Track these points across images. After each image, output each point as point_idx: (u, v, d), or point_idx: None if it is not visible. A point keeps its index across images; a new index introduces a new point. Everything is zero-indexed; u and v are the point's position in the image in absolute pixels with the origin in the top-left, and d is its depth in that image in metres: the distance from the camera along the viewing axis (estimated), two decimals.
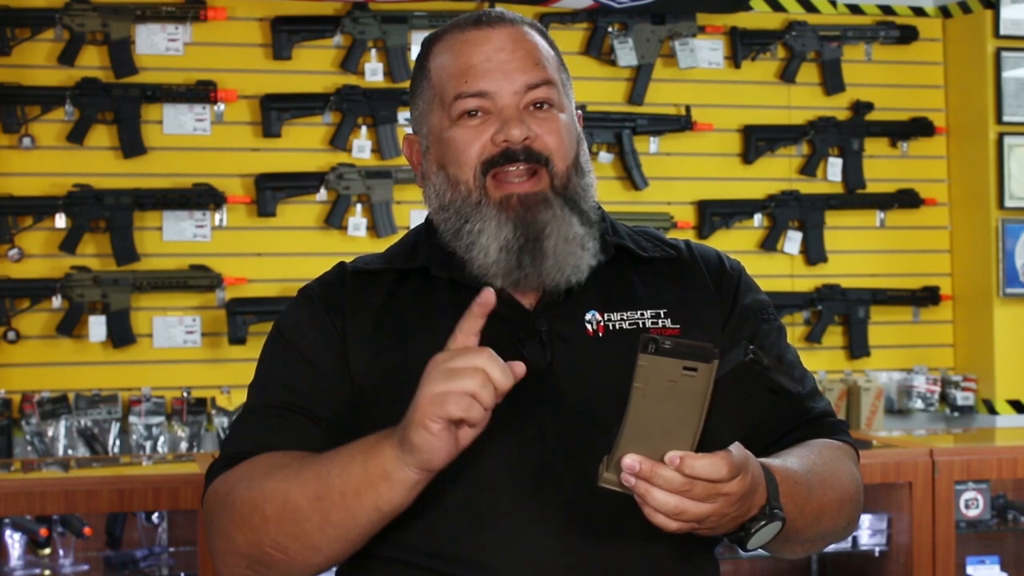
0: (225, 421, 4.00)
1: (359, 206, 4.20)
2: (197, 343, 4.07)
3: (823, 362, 4.56)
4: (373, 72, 4.24)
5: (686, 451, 1.36)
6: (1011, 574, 3.71)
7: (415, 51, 4.20)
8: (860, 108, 4.62)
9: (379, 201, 4.19)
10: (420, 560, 1.57)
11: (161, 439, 3.96)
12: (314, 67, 4.22)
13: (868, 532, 3.46)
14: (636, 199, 4.38)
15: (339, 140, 4.20)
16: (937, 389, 4.56)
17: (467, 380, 1.38)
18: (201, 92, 4.07)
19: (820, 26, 4.60)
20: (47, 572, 3.28)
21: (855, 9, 4.70)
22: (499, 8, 1.72)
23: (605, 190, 4.00)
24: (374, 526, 1.50)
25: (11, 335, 3.94)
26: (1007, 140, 4.53)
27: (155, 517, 3.36)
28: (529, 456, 1.56)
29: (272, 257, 4.16)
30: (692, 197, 4.49)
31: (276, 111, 4.15)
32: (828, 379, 4.49)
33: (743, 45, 4.53)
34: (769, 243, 4.53)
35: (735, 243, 4.47)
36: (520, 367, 1.41)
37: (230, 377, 4.06)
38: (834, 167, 4.59)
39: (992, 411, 4.54)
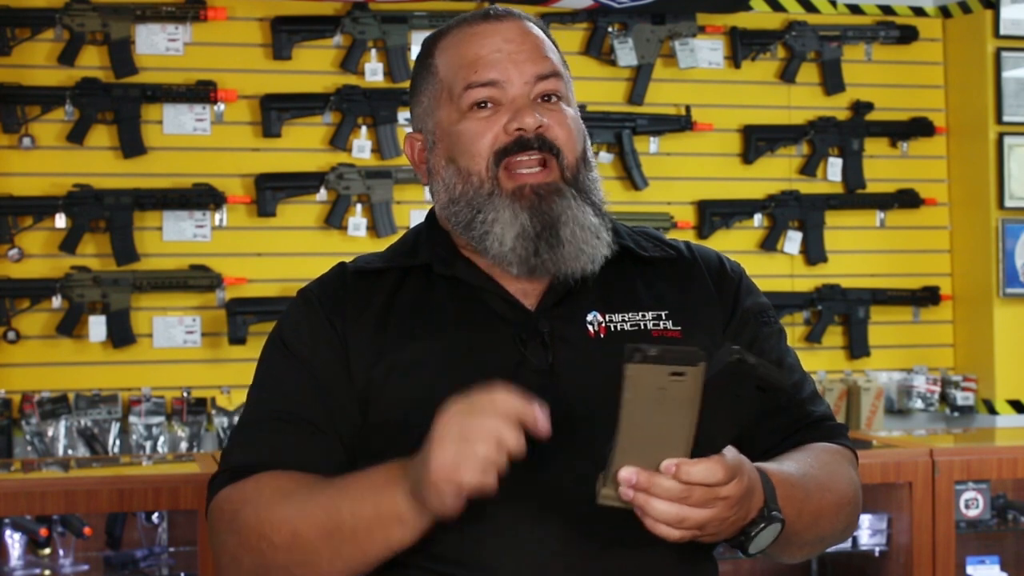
0: (225, 421, 4.00)
1: (359, 206, 4.20)
2: (197, 343, 4.07)
3: (823, 362, 4.56)
4: (373, 72, 4.24)
5: (681, 458, 1.36)
6: (1011, 574, 3.71)
7: (415, 51, 4.20)
8: (860, 108, 4.62)
9: (379, 201, 4.19)
10: (420, 562, 1.57)
11: (161, 439, 3.96)
12: (314, 67, 4.22)
13: (868, 532, 3.46)
14: (636, 199, 4.38)
15: (339, 140, 4.20)
16: (937, 389, 4.56)
17: (481, 446, 1.38)
18: (201, 92, 4.07)
19: (820, 26, 4.60)
20: (47, 572, 3.28)
21: (855, 9, 4.70)
22: (504, 6, 1.73)
23: (605, 190, 3.99)
24: (384, 558, 1.51)
25: (11, 335, 3.94)
26: (1007, 140, 4.53)
27: (155, 517, 3.36)
28: (530, 458, 1.56)
29: (272, 257, 4.16)
30: (692, 197, 4.49)
31: (276, 111, 4.15)
32: (828, 379, 4.49)
33: (743, 45, 4.53)
34: (769, 243, 4.53)
35: (735, 243, 4.47)
36: (543, 425, 1.40)
37: (230, 377, 4.06)
38: (834, 167, 4.59)
39: (992, 411, 4.54)
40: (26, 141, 3.99)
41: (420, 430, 1.59)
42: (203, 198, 4.04)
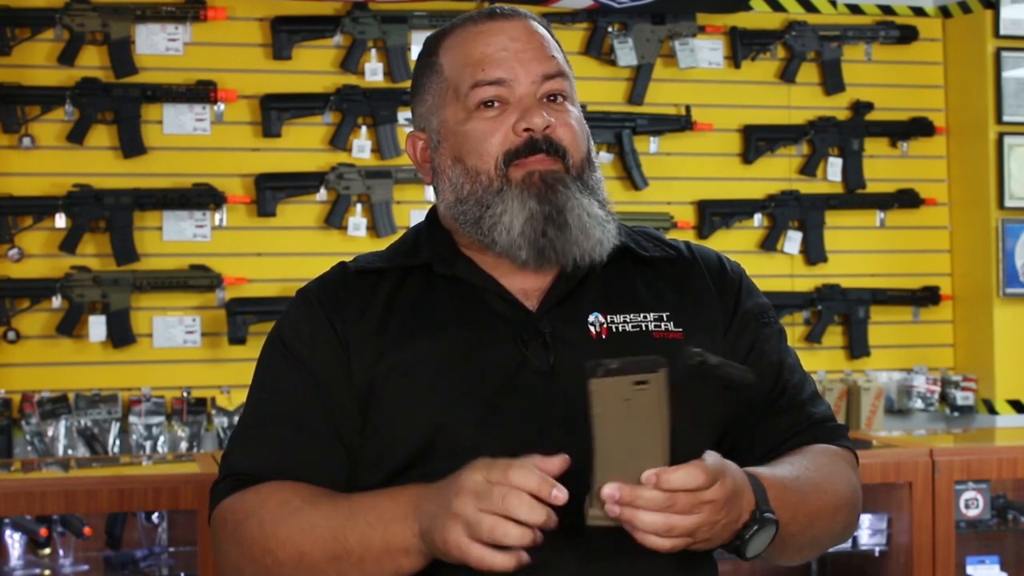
0: (225, 421, 4.00)
1: (359, 206, 4.20)
2: (197, 343, 4.07)
3: (823, 362, 4.56)
4: (373, 72, 4.24)
5: (661, 467, 1.37)
6: (1011, 574, 3.71)
7: (415, 51, 4.19)
8: (860, 108, 4.62)
9: (379, 201, 4.19)
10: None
11: (161, 439, 3.96)
12: (314, 67, 4.22)
13: (868, 532, 3.46)
14: (636, 199, 4.38)
15: (339, 140, 4.20)
16: (937, 389, 4.56)
17: (489, 530, 1.38)
18: (201, 92, 4.07)
19: (820, 26, 4.60)
20: (47, 572, 3.28)
21: (855, 9, 4.70)
22: (510, 5, 1.72)
23: (606, 190, 4.00)
24: None
25: (11, 335, 3.94)
26: (1007, 140, 4.53)
27: (155, 517, 3.36)
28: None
29: (272, 257, 4.16)
30: (692, 197, 4.49)
31: (276, 111, 4.15)
32: (828, 379, 4.49)
33: (743, 45, 4.53)
34: (769, 243, 4.53)
35: (735, 243, 4.47)
36: (560, 498, 1.38)
37: (230, 377, 4.06)
38: (834, 167, 4.59)
39: (992, 411, 4.54)
40: (26, 141, 3.99)
41: (421, 431, 1.59)
42: (203, 198, 4.04)
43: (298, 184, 4.16)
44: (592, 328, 1.64)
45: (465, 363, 1.60)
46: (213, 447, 4.01)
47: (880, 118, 4.64)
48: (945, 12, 4.72)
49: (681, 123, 4.44)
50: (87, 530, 3.23)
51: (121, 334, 3.98)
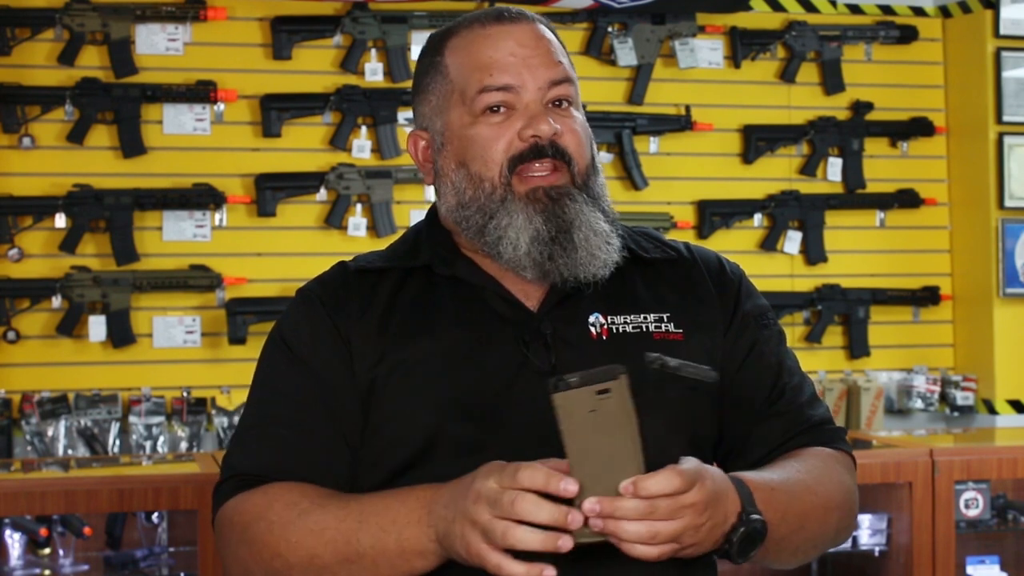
0: (225, 421, 4.01)
1: (359, 206, 4.20)
2: (197, 343, 4.07)
3: (823, 362, 4.56)
4: (373, 72, 4.24)
5: (637, 475, 1.37)
6: (1011, 574, 3.71)
7: (415, 51, 4.23)
8: (860, 108, 4.62)
9: (379, 201, 4.19)
10: None
11: (161, 439, 3.96)
12: (314, 67, 4.22)
13: (868, 532, 3.47)
14: (636, 199, 4.38)
15: (339, 140, 4.20)
16: (937, 389, 4.56)
17: (501, 536, 1.39)
18: (201, 92, 4.07)
19: (820, 26, 4.60)
20: (47, 572, 3.28)
21: (855, 9, 4.70)
22: (517, 7, 1.71)
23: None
24: None
25: (11, 335, 3.94)
26: (1007, 140, 4.53)
27: (155, 517, 3.36)
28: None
29: (272, 257, 4.16)
30: (692, 197, 4.49)
31: (276, 111, 4.15)
32: (828, 379, 4.49)
33: (743, 45, 4.53)
34: (769, 243, 4.53)
35: (735, 243, 4.47)
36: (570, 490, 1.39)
37: (230, 377, 4.06)
38: (834, 167, 4.59)
39: (992, 411, 4.54)
40: (26, 141, 3.99)
41: (421, 431, 1.59)
42: (203, 198, 4.05)
43: (298, 184, 4.16)
44: (592, 329, 1.64)
45: (466, 364, 1.60)
46: (213, 447, 4.01)
47: (880, 118, 4.64)
48: (945, 12, 4.72)
49: (681, 123, 4.44)
50: (87, 530, 3.24)
51: (121, 334, 3.98)
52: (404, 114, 4.21)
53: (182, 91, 4.06)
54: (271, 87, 4.16)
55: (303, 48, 4.21)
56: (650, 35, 4.43)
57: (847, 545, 3.43)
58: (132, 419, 3.95)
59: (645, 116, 4.41)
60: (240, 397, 4.00)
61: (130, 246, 4.01)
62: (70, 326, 3.95)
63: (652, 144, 4.44)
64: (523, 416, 1.57)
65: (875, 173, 4.64)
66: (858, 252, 4.64)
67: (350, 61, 4.22)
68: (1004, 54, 4.54)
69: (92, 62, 4.06)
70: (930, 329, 4.68)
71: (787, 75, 4.59)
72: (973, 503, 3.50)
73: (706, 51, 4.51)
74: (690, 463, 1.42)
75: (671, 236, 1.90)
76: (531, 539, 1.37)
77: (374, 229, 4.19)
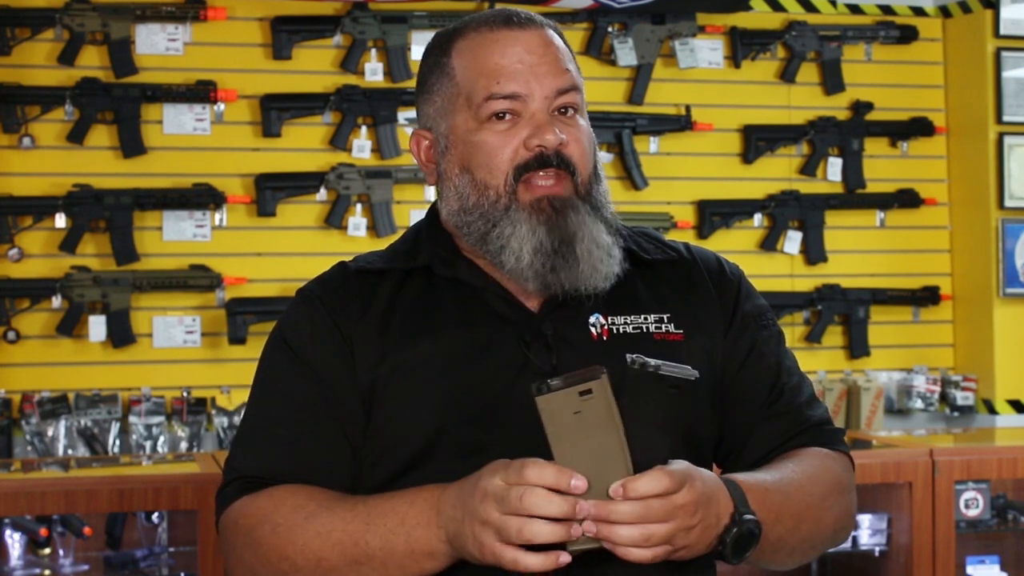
0: (225, 421, 4.01)
1: (359, 206, 4.20)
2: (197, 343, 4.07)
3: (823, 362, 4.56)
4: (373, 72, 4.24)
5: (624, 475, 1.38)
6: (1011, 574, 3.71)
7: (415, 51, 4.24)
8: (860, 108, 4.62)
9: (379, 201, 4.19)
10: None
11: (161, 439, 3.96)
12: (314, 67, 4.22)
13: (868, 532, 3.47)
14: (636, 199, 4.38)
15: (339, 140, 4.20)
16: (937, 389, 4.56)
17: (516, 532, 1.39)
18: (201, 92, 4.07)
19: (820, 26, 4.60)
20: (47, 572, 3.28)
21: (855, 9, 4.70)
22: (527, 12, 1.70)
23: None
24: None
25: (11, 335, 3.94)
26: (1007, 140, 4.53)
27: (155, 517, 3.36)
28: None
29: (272, 257, 4.16)
30: (692, 197, 4.49)
31: (276, 111, 4.15)
32: (828, 379, 4.49)
33: (743, 45, 4.53)
34: (769, 243, 4.53)
35: (735, 243, 4.47)
36: (580, 486, 1.40)
37: (230, 377, 4.06)
38: (834, 167, 4.60)
39: (992, 411, 4.54)
40: (26, 141, 3.99)
41: (422, 432, 1.59)
42: (203, 198, 4.05)
43: (298, 184, 4.16)
44: (593, 329, 1.64)
45: (467, 364, 1.60)
46: (213, 447, 4.01)
47: (880, 118, 4.64)
48: (945, 12, 4.72)
49: (681, 123, 4.44)
50: (87, 530, 3.23)
51: (121, 334, 3.98)
52: (404, 114, 4.21)
53: (182, 91, 4.07)
54: (271, 87, 4.16)
55: (303, 48, 4.21)
56: (650, 35, 4.43)
57: (847, 545, 3.43)
58: (132, 419, 3.95)
59: (645, 116, 4.41)
60: (240, 397, 4.00)
61: (130, 246, 4.01)
62: (70, 326, 3.95)
63: (652, 144, 4.44)
64: (524, 417, 1.56)
65: (875, 173, 4.64)
66: (858, 252, 4.64)
67: (350, 61, 4.22)
68: (1004, 54, 4.54)
69: (92, 62, 4.06)
70: (930, 329, 4.68)
71: (787, 75, 4.59)
72: (973, 503, 3.50)
73: (706, 51, 4.51)
74: (679, 464, 1.42)
75: (671, 236, 1.91)
76: (546, 531, 1.37)
77: (374, 229, 4.19)
